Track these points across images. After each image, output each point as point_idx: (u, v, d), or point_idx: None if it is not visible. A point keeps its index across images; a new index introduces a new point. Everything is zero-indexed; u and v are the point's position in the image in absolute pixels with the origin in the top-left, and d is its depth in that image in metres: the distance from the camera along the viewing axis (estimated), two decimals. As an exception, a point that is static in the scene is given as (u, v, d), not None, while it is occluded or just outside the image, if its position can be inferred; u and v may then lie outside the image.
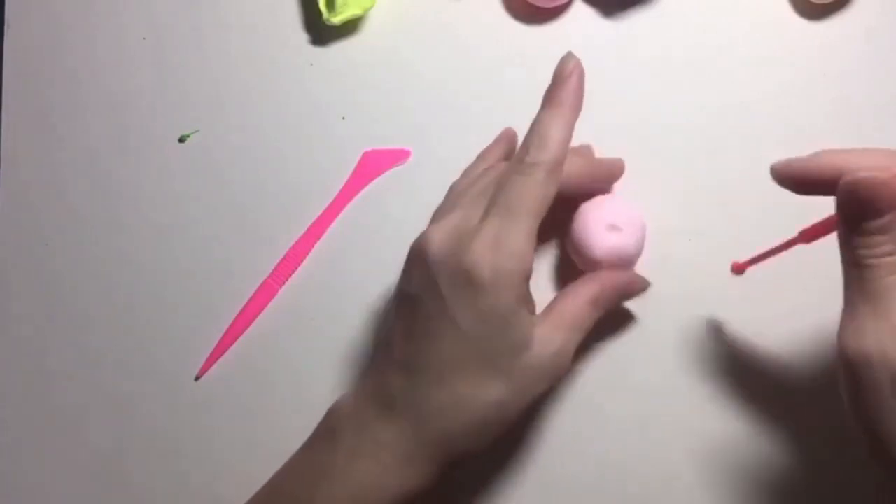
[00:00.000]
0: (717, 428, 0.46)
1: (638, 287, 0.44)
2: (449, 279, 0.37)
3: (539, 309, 0.41)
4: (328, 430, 0.40)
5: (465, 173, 0.45)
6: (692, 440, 0.46)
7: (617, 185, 0.48)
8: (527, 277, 0.38)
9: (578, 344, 0.40)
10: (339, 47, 0.50)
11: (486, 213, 0.38)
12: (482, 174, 0.43)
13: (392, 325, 0.40)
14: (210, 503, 0.47)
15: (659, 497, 0.45)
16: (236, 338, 0.48)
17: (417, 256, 0.39)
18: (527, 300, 0.39)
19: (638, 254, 0.45)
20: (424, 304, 0.38)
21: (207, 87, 0.50)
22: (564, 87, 0.39)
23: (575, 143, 0.48)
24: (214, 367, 0.48)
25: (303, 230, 0.49)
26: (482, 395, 0.38)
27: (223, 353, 0.48)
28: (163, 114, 0.50)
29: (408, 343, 0.39)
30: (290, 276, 0.48)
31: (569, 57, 0.39)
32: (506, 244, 0.37)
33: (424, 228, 0.42)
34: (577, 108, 0.39)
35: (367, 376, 0.41)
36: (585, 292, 0.41)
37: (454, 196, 0.43)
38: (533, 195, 0.38)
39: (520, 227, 0.38)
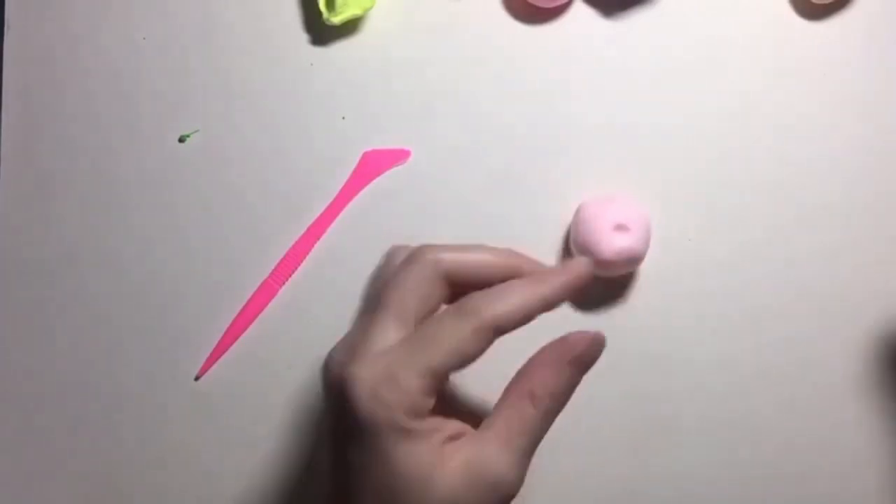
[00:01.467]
0: (719, 427, 0.46)
1: (587, 350, 0.35)
2: (335, 407, 0.34)
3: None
4: None
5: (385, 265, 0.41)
6: (692, 439, 0.46)
7: (618, 185, 0.48)
8: (412, 414, 0.33)
9: (526, 455, 0.34)
10: (339, 47, 0.50)
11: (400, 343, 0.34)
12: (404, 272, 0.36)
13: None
14: (210, 503, 0.47)
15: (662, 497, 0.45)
16: (236, 338, 0.48)
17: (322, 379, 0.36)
18: (420, 435, 0.33)
19: (644, 254, 0.45)
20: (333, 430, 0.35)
21: (207, 87, 0.50)
22: (560, 274, 0.35)
23: (574, 142, 0.49)
24: (214, 367, 0.48)
25: (303, 230, 0.49)
26: None
27: (223, 353, 0.48)
28: (163, 114, 0.50)
29: (329, 477, 0.36)
30: (290, 276, 0.48)
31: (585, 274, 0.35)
32: (394, 377, 0.33)
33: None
34: (555, 297, 0.34)
35: None
36: (518, 391, 0.35)
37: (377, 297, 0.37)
38: (449, 340, 0.33)
39: (417, 363, 0.33)
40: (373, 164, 0.49)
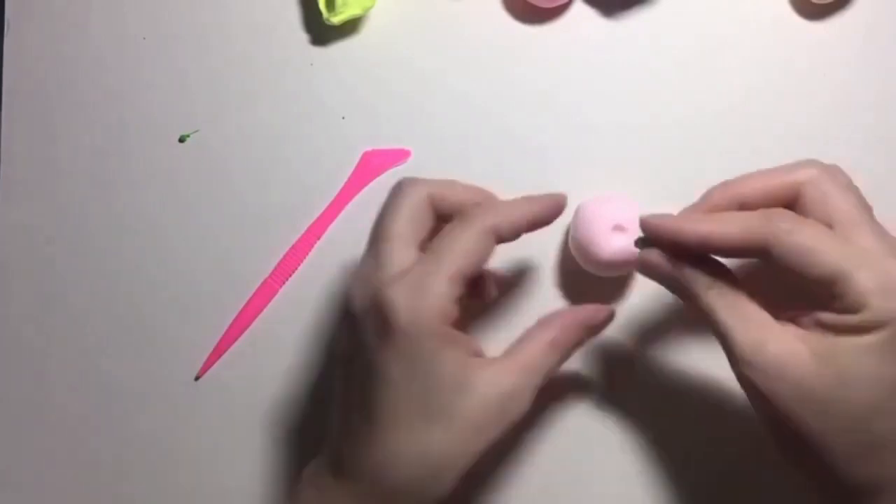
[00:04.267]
0: (719, 427, 0.46)
1: (601, 321, 0.41)
2: (372, 328, 0.37)
3: None
4: (295, 495, 0.39)
5: None
6: (692, 438, 0.46)
7: (617, 185, 0.48)
8: (445, 319, 0.37)
9: (537, 387, 0.38)
10: (339, 47, 0.50)
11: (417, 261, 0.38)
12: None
13: (335, 390, 0.40)
14: (210, 503, 0.47)
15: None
16: (236, 338, 0.48)
17: (345, 316, 0.39)
18: (454, 340, 0.37)
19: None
20: (355, 361, 0.38)
21: (207, 87, 0.50)
22: (547, 201, 0.40)
23: (574, 142, 0.49)
24: (214, 367, 0.48)
25: (303, 230, 0.49)
26: (420, 445, 0.36)
27: (223, 353, 0.48)
28: (163, 114, 0.50)
29: (346, 403, 0.38)
30: (290, 276, 0.48)
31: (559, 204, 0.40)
32: (424, 286, 0.36)
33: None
34: (543, 213, 0.40)
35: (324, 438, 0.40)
36: (542, 335, 0.39)
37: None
38: (461, 244, 0.37)
39: (441, 270, 0.36)
40: (373, 164, 0.49)
